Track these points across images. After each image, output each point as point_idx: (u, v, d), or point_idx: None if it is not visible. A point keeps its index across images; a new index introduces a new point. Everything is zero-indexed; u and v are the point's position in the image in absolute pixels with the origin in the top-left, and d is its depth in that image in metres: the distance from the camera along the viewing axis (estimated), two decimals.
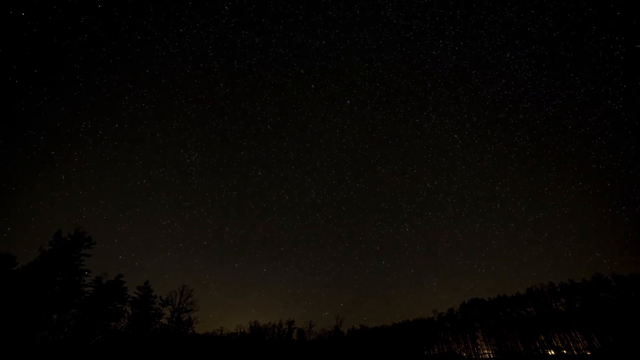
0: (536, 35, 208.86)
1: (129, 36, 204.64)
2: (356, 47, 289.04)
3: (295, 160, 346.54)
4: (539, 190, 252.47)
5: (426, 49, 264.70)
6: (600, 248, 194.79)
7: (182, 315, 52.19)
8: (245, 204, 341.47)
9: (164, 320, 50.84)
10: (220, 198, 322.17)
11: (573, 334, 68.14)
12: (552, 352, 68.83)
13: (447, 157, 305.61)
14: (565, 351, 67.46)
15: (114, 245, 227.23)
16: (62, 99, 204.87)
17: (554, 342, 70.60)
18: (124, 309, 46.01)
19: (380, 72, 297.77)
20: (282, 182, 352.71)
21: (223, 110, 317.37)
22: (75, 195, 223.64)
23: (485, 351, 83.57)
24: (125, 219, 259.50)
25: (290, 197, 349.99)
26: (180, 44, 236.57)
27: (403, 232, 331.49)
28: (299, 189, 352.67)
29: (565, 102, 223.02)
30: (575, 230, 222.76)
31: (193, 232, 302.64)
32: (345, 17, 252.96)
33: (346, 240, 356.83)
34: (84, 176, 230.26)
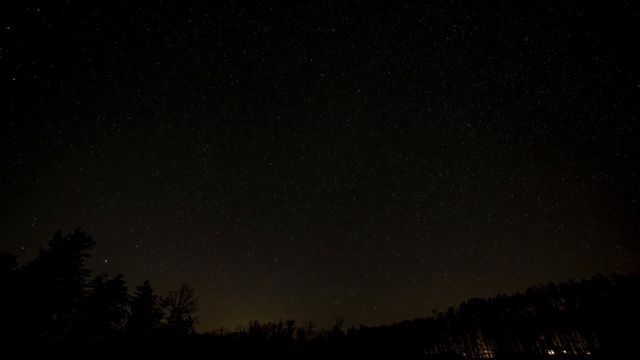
0: (558, 16, 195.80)
1: (139, 29, 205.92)
2: (366, 34, 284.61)
3: (305, 150, 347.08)
4: (556, 180, 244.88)
5: (439, 34, 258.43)
6: (621, 240, 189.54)
7: (182, 315, 52.14)
8: (256, 194, 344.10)
9: (164, 320, 50.81)
10: (232, 189, 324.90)
11: (573, 334, 68.13)
12: (552, 352, 68.82)
13: (460, 146, 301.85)
14: (565, 351, 67.45)
15: (131, 235, 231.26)
16: (77, 93, 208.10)
17: (554, 342, 70.59)
18: (124, 309, 45.95)
19: (391, 60, 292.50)
20: (293, 172, 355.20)
21: (233, 101, 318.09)
22: (93, 186, 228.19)
23: (485, 351, 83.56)
24: (140, 210, 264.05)
25: (301, 187, 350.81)
26: (189, 35, 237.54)
27: (414, 222, 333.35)
28: (309, 179, 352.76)
29: (587, 87, 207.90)
30: (594, 221, 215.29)
31: (205, 222, 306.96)
32: (355, 3, 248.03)
33: (356, 230, 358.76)
34: (100, 168, 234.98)
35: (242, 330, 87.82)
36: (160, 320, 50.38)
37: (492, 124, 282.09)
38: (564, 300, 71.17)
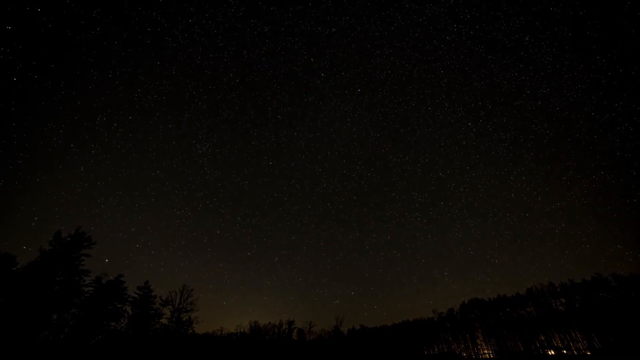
0: (560, 15, 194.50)
1: (139, 28, 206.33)
2: (367, 33, 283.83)
3: (305, 149, 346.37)
4: (557, 180, 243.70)
5: (440, 33, 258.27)
6: (622, 240, 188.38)
7: (182, 315, 52.15)
8: (256, 194, 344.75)
9: (164, 320, 50.83)
10: (232, 188, 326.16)
11: (573, 334, 68.12)
12: (552, 352, 68.81)
13: (461, 145, 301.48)
14: (565, 351, 67.43)
15: (132, 235, 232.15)
16: (78, 93, 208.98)
17: (554, 342, 70.57)
18: (124, 309, 45.96)
19: (391, 59, 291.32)
20: (293, 172, 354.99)
21: (233, 101, 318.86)
22: (94, 186, 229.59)
23: (485, 351, 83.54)
24: (141, 209, 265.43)
25: (301, 187, 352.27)
26: (189, 34, 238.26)
27: (414, 222, 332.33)
28: (309, 178, 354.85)
29: (588, 87, 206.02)
30: (595, 221, 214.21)
31: (206, 222, 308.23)
32: (356, 2, 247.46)
33: (357, 230, 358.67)
34: (101, 168, 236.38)
35: (242, 330, 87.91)
36: (160, 320, 50.42)
37: (493, 124, 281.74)
38: (564, 300, 71.14)
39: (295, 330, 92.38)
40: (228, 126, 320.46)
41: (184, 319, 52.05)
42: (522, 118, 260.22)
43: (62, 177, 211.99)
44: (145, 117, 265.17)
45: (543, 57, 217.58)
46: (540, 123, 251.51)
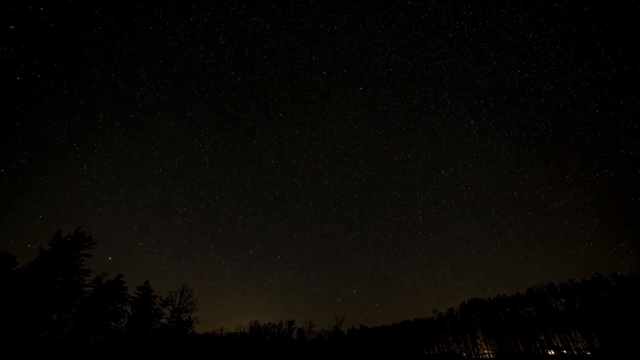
0: (564, 11, 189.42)
1: (141, 27, 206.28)
2: (368, 31, 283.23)
3: (307, 147, 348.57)
4: (560, 178, 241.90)
5: (442, 31, 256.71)
6: (625, 239, 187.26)
7: (182, 315, 52.17)
8: (258, 192, 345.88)
9: (164, 320, 50.84)
10: (234, 187, 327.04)
11: (573, 334, 68.08)
12: (552, 352, 68.78)
13: (463, 143, 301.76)
14: (565, 351, 67.40)
15: (134, 233, 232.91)
16: (80, 92, 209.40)
17: (554, 342, 70.54)
18: (124, 309, 45.97)
19: (393, 57, 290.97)
20: (295, 170, 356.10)
21: (235, 99, 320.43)
22: (96, 185, 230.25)
23: (485, 351, 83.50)
24: (143, 208, 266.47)
25: (303, 185, 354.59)
26: (191, 33, 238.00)
27: (416, 220, 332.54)
28: (311, 176, 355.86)
29: (593, 84, 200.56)
30: (599, 220, 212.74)
31: (208, 220, 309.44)
32: (357, 0, 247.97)
33: (359, 228, 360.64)
34: (103, 166, 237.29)
35: (242, 330, 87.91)
36: (160, 320, 50.43)
37: (496, 122, 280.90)
38: (564, 300, 71.10)
39: (295, 330, 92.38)
40: (230, 124, 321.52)
41: (184, 319, 52.08)
42: (525, 116, 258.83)
43: (64, 176, 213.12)
44: (147, 115, 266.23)
45: (546, 54, 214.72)
46: (543, 121, 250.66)
